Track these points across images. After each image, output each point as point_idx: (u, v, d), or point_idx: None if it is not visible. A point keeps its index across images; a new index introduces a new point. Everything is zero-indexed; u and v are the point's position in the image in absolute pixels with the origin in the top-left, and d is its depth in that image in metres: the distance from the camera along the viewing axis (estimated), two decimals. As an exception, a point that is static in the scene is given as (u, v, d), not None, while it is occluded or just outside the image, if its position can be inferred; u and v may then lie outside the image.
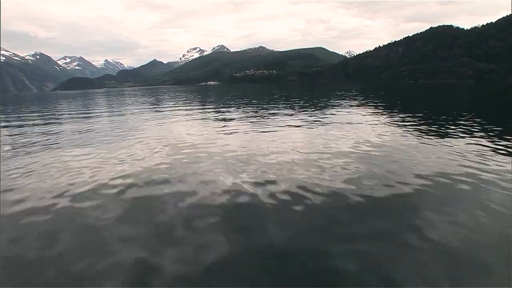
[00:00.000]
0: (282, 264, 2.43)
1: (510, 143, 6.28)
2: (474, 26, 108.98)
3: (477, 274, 2.28)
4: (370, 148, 6.02)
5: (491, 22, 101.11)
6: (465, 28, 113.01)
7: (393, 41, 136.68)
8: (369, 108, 14.58)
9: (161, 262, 2.47)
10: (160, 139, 7.71)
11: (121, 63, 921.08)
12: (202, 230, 2.97)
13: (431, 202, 3.46)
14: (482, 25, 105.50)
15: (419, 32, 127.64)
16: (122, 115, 15.13)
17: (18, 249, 2.74)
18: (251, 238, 2.83)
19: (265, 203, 3.54)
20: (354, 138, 7.12)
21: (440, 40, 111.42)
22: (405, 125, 8.91)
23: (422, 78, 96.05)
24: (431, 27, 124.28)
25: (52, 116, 16.00)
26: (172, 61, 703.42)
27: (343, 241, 2.71)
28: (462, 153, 5.52)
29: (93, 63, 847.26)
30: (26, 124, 12.50)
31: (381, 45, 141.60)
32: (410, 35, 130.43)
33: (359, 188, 3.91)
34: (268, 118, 11.31)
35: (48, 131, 10.14)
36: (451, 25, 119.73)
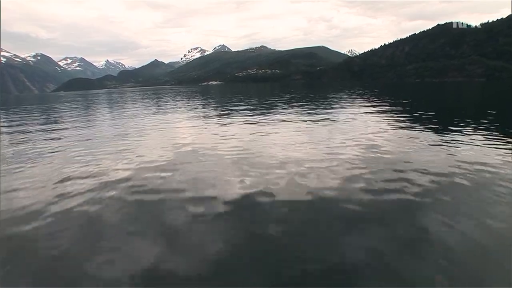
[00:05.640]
0: (284, 265, 2.46)
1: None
2: (475, 24, 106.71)
3: (478, 274, 2.31)
4: (374, 149, 5.93)
5: (501, 18, 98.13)
6: (472, 26, 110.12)
7: (399, 39, 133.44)
8: (375, 109, 13.95)
9: (162, 262, 2.50)
10: (162, 140, 7.63)
11: (122, 64, 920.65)
12: (204, 230, 3.00)
13: (435, 204, 3.48)
14: (482, 24, 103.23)
15: (425, 30, 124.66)
16: (124, 116, 14.85)
17: (19, 250, 2.78)
18: (253, 238, 2.85)
19: (268, 203, 3.58)
20: (358, 138, 6.96)
21: (447, 38, 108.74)
22: (411, 126, 8.64)
23: (429, 77, 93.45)
24: (438, 24, 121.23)
25: (54, 117, 16.13)
26: (173, 61, 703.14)
27: (345, 242, 2.73)
28: (469, 155, 5.42)
29: (94, 64, 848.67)
30: (29, 125, 12.63)
31: (386, 43, 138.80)
32: (417, 32, 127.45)
33: (361, 189, 3.89)
34: (270, 119, 11.03)
35: (50, 131, 10.29)
36: (460, 22, 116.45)
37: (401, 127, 8.44)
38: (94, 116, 15.62)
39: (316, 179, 4.25)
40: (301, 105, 16.11)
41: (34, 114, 18.19)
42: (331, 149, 5.98)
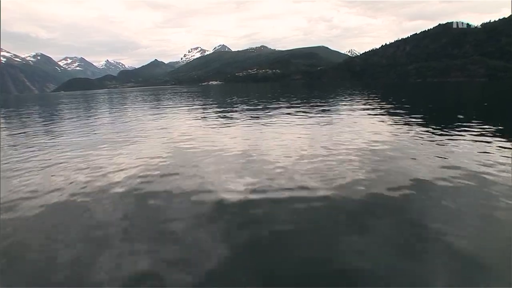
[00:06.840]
0: (284, 265, 2.46)
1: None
2: (476, 24, 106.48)
3: (478, 274, 2.31)
4: (373, 149, 5.95)
5: (503, 18, 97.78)
6: (473, 25, 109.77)
7: (400, 38, 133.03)
8: (375, 109, 13.97)
9: (162, 262, 2.50)
10: (162, 141, 7.62)
11: (122, 64, 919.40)
12: (204, 230, 3.00)
13: (435, 204, 3.47)
14: (482, 24, 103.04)
15: (426, 30, 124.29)
16: (124, 116, 14.91)
17: (20, 248, 2.79)
18: (253, 238, 2.86)
19: (267, 203, 3.59)
20: (359, 139, 6.97)
21: (449, 38, 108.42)
22: (411, 126, 8.70)
23: (430, 77, 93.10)
24: (439, 24, 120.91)
25: (55, 117, 16.27)
26: (174, 61, 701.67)
27: (345, 242, 2.74)
28: (469, 154, 5.44)
29: (94, 64, 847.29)
30: (29, 124, 12.87)
31: (387, 43, 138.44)
32: (418, 32, 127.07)
33: (362, 188, 3.92)
34: (271, 119, 11.06)
35: (51, 131, 10.38)
36: (460, 21, 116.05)
37: (401, 128, 8.49)
38: (94, 116, 15.61)
39: (317, 180, 4.27)
40: (301, 106, 16.17)
41: (35, 114, 18.26)
42: (331, 149, 6.04)
